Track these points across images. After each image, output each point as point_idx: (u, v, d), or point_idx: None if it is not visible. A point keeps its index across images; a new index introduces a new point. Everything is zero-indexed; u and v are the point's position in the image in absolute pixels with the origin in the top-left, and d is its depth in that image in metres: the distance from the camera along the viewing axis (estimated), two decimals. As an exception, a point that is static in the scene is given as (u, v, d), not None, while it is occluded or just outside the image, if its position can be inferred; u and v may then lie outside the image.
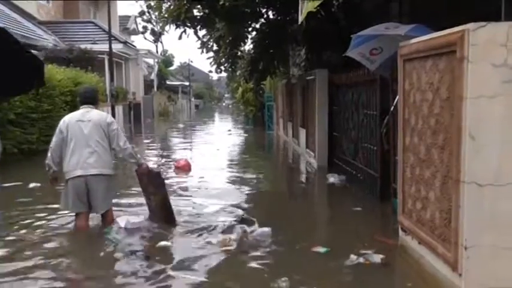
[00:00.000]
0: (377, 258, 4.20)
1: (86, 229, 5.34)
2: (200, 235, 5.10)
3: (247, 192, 7.51)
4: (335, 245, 4.71)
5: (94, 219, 5.53)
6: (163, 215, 5.54)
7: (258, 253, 4.54)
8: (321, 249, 4.51)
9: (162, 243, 4.86)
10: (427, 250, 3.98)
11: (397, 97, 5.08)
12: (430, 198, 3.97)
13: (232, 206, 6.44)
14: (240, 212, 6.05)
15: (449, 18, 5.87)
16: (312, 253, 4.49)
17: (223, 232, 5.09)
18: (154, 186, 5.54)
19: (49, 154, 5.33)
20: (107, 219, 5.44)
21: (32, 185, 7.87)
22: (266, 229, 5.00)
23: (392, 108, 5.69)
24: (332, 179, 8.12)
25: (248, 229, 5.01)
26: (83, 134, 5.21)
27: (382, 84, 6.33)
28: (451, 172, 3.52)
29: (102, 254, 4.68)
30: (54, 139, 5.33)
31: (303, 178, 9.58)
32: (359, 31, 5.87)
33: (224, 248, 4.65)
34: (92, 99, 5.50)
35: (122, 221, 5.37)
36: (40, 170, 7.56)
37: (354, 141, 7.93)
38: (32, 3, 23.17)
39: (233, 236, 4.83)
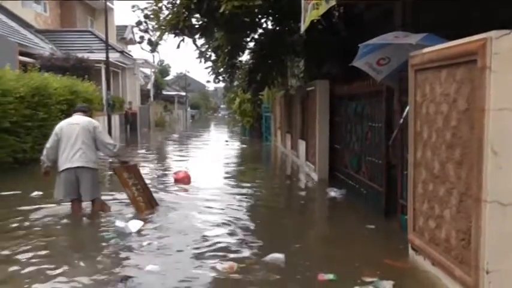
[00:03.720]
0: (388, 285, 3.82)
1: (79, 212, 6.41)
2: (205, 259, 4.69)
3: (247, 208, 7.19)
4: (340, 269, 4.30)
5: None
6: (149, 194, 6.81)
7: (259, 280, 4.15)
8: (328, 276, 4.12)
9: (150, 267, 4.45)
10: (443, 273, 3.74)
11: (407, 109, 4.87)
12: (445, 217, 3.74)
13: (233, 224, 6.07)
14: (242, 233, 5.69)
15: (454, 28, 5.70)
16: (318, 281, 4.08)
17: (228, 258, 4.69)
18: (136, 175, 6.75)
19: (44, 152, 6.39)
20: (95, 208, 6.48)
21: (34, 193, 7.85)
22: (279, 255, 4.58)
23: (401, 121, 5.45)
24: (332, 193, 7.89)
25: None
26: (72, 135, 6.26)
27: (388, 95, 6.12)
28: (470, 190, 3.29)
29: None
30: (50, 140, 6.37)
31: (304, 192, 9.22)
32: (360, 42, 5.64)
33: (229, 275, 4.25)
34: (83, 109, 6.76)
35: (122, 224, 5.67)
36: (38, 179, 7.37)
37: (357, 154, 7.70)
38: (29, 11, 23.03)
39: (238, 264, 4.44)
